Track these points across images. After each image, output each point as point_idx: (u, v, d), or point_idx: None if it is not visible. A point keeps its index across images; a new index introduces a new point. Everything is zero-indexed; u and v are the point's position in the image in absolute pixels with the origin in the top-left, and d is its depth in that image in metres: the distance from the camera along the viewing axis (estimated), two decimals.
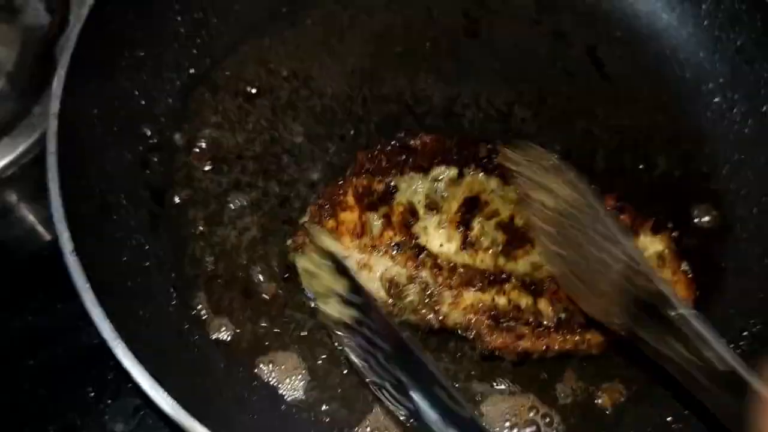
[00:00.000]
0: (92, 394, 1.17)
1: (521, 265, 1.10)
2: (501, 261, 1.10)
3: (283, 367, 1.12)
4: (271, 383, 1.11)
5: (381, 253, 1.09)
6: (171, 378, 1.01)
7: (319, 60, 1.37)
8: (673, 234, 1.12)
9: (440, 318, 1.08)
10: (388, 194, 1.13)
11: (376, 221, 1.11)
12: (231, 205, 1.23)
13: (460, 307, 1.07)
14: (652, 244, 1.11)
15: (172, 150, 1.26)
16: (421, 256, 1.09)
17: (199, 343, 1.11)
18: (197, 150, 1.27)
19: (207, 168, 1.25)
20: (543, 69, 1.39)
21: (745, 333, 1.15)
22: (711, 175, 1.31)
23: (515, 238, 1.11)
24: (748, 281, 1.20)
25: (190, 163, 1.26)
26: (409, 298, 1.08)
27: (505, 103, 1.35)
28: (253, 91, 1.33)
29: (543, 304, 1.08)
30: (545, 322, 1.07)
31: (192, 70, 1.33)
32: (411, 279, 1.09)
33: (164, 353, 1.05)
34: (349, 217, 1.11)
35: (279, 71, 1.35)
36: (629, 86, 1.39)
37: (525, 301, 1.08)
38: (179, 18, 1.32)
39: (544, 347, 1.06)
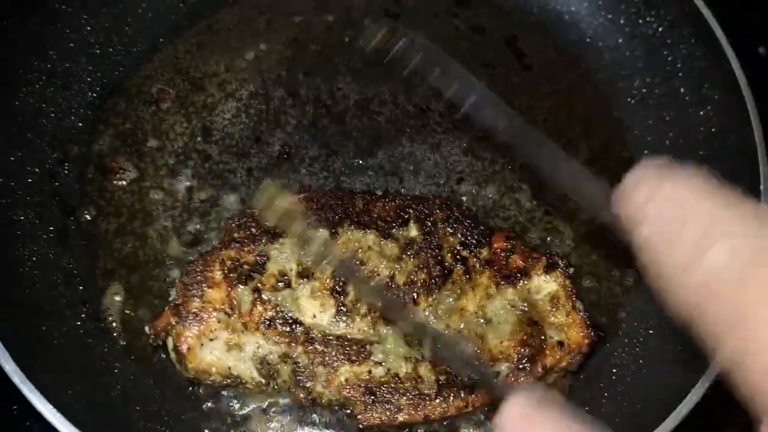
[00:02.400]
0: None
1: (403, 326, 1.03)
2: (380, 326, 1.03)
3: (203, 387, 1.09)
4: (186, 395, 1.09)
5: (252, 331, 1.02)
6: (72, 393, 1.00)
7: (234, 64, 1.35)
8: (569, 270, 1.08)
9: (313, 398, 1.01)
10: (259, 265, 1.05)
11: (246, 297, 1.03)
12: (143, 218, 1.21)
13: (334, 384, 1.00)
14: (546, 284, 1.06)
15: (84, 162, 1.24)
16: (294, 331, 1.02)
17: (107, 356, 1.09)
18: (109, 161, 1.25)
19: (119, 178, 1.23)
20: (462, 63, 1.36)
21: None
22: (632, 161, 1.28)
23: (397, 298, 1.03)
24: None
25: (103, 174, 1.24)
26: (281, 378, 1.02)
27: (422, 99, 1.33)
28: (168, 97, 1.31)
29: (424, 369, 1.01)
30: (426, 390, 0.99)
31: (104, 80, 1.31)
32: (284, 357, 1.01)
33: (67, 367, 1.03)
34: (217, 295, 1.03)
35: (194, 76, 1.33)
36: (549, 76, 1.37)
37: (405, 368, 1.01)
38: (89, 28, 1.30)
39: (424, 417, 0.99)
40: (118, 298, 1.14)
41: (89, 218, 1.20)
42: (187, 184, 1.24)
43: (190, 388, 1.08)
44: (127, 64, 1.33)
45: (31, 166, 1.19)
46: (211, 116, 1.30)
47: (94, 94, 1.30)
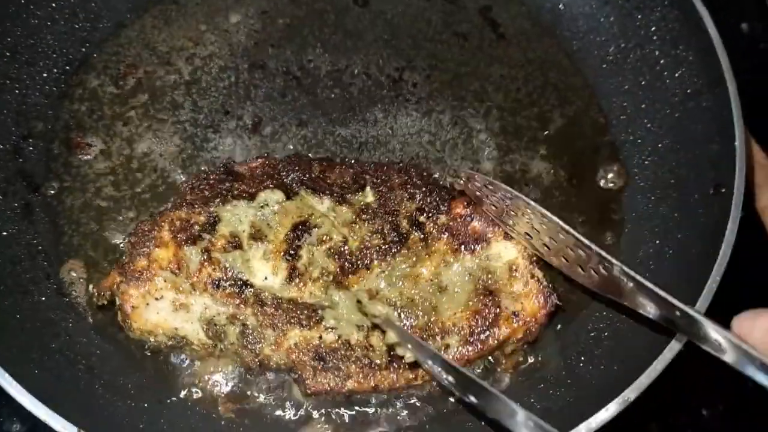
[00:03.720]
0: None
1: (356, 292, 1.01)
2: (332, 291, 1.01)
3: (169, 359, 1.07)
4: (156, 371, 1.06)
5: (199, 292, 1.00)
6: (35, 367, 0.97)
7: (203, 38, 1.33)
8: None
9: (261, 360, 0.99)
10: (209, 226, 1.03)
11: (194, 257, 1.01)
12: (109, 192, 1.18)
13: (283, 347, 0.98)
14: (506, 251, 1.03)
15: (49, 138, 1.22)
16: (243, 293, 1.00)
17: (71, 331, 1.06)
18: (75, 136, 1.22)
19: (85, 153, 1.21)
20: (435, 34, 1.36)
21: None
22: (607, 127, 1.28)
23: (349, 264, 1.02)
24: (644, 230, 1.17)
25: (68, 150, 1.21)
26: (229, 340, 0.99)
27: (395, 70, 1.31)
28: (135, 72, 1.29)
29: (375, 339, 0.99)
30: (376, 360, 0.98)
31: (70, 56, 1.28)
32: (232, 318, 0.99)
33: (31, 342, 1.01)
34: (164, 254, 1.00)
35: (162, 51, 1.31)
36: (524, 45, 1.36)
37: (356, 336, 0.99)
38: (54, 4, 1.28)
39: (373, 386, 0.97)
40: (82, 273, 1.12)
41: (54, 193, 1.18)
42: (156, 158, 1.21)
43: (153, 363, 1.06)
44: (93, 40, 1.31)
45: None
46: (179, 90, 1.28)
47: (60, 71, 1.27)
